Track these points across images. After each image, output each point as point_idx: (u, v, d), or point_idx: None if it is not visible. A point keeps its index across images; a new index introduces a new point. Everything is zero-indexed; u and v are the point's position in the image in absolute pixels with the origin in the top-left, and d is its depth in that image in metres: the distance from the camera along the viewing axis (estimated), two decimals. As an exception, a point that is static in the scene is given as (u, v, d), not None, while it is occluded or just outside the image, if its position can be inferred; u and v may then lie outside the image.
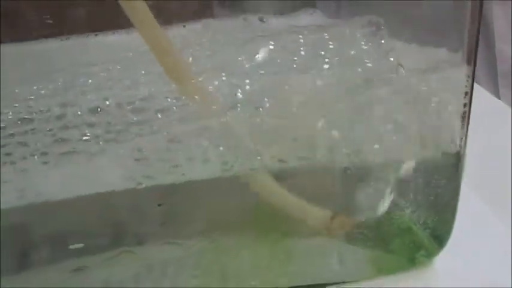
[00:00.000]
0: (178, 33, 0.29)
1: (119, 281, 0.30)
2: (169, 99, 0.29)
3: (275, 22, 0.31)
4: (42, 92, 0.29)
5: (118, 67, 0.30)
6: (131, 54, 0.30)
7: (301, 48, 0.31)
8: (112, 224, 0.29)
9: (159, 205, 0.29)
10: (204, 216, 0.30)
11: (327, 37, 0.31)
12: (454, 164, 0.31)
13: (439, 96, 0.30)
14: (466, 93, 0.29)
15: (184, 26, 0.29)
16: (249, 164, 0.28)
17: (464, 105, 0.29)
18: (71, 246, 0.28)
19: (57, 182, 0.27)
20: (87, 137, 0.28)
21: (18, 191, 0.27)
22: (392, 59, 0.30)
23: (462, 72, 0.29)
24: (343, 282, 0.31)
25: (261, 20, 0.31)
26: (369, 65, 0.30)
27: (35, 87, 0.29)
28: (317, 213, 0.29)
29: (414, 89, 0.30)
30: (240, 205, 0.30)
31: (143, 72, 0.29)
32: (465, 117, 0.30)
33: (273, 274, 0.30)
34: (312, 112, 0.29)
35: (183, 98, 0.28)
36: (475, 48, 0.29)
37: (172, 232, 0.30)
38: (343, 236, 0.30)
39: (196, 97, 0.27)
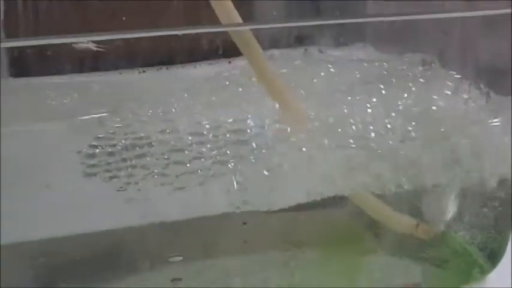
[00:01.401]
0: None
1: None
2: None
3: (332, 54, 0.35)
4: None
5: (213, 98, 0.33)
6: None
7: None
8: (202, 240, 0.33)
9: (244, 223, 0.32)
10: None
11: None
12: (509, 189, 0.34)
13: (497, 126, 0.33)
14: None
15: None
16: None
17: None
18: (171, 259, 0.32)
19: (172, 203, 0.30)
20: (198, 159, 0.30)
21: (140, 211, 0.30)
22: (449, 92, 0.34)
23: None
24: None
25: (320, 51, 0.35)
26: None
27: (130, 115, 0.31)
28: (405, 221, 0.33)
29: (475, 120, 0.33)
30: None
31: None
32: None
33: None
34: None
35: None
36: None
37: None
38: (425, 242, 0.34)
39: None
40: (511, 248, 0.36)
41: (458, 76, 0.34)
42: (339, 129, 0.32)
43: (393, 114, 0.33)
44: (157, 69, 0.33)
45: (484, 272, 0.35)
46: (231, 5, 0.30)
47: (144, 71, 0.32)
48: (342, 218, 0.34)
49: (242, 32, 0.30)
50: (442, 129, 0.33)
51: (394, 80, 0.34)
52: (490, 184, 0.34)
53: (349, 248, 0.34)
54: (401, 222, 0.34)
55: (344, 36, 0.36)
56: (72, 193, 0.29)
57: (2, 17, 0.32)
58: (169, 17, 0.34)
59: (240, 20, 0.30)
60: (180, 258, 0.31)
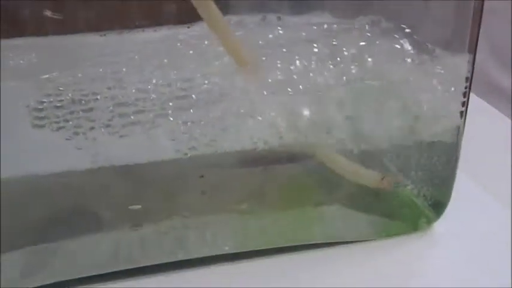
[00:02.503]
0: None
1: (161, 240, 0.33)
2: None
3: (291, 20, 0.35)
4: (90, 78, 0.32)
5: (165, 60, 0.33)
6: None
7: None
8: (162, 189, 0.33)
9: (201, 176, 0.33)
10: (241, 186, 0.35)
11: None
12: (453, 141, 0.35)
13: (444, 79, 0.34)
14: (467, 78, 0.33)
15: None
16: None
17: (465, 87, 0.33)
18: (130, 207, 0.32)
19: (121, 149, 0.31)
20: (142, 112, 0.31)
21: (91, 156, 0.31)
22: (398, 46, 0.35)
23: (465, 59, 0.33)
24: (356, 242, 0.35)
25: (279, 19, 0.35)
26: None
27: (80, 75, 0.32)
28: (371, 175, 0.35)
29: (420, 74, 0.34)
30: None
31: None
32: (465, 98, 0.34)
33: (291, 234, 0.35)
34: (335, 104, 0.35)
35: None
36: (476, 37, 0.32)
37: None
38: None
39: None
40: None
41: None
42: (286, 82, 0.33)
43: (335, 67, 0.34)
44: (119, 33, 0.33)
45: (430, 222, 0.36)
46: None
47: (105, 35, 0.32)
48: (299, 173, 0.35)
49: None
50: (383, 82, 0.34)
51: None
52: (433, 138, 0.35)
53: (304, 200, 0.35)
54: (367, 175, 0.35)
55: (303, 5, 0.36)
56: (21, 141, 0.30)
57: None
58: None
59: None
60: (139, 206, 0.32)
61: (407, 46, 0.35)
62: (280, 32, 0.36)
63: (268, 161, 0.34)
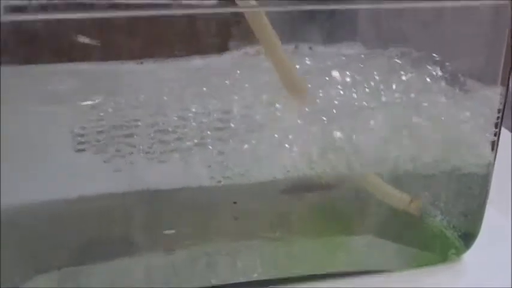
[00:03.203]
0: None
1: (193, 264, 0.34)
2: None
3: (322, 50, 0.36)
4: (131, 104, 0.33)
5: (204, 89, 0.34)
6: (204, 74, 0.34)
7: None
8: (196, 214, 0.34)
9: (234, 203, 0.34)
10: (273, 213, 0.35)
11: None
12: (484, 173, 0.35)
13: (475, 111, 0.34)
14: (499, 110, 0.34)
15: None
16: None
17: (497, 118, 0.34)
18: (165, 232, 0.33)
19: (158, 174, 0.32)
20: (181, 139, 0.32)
21: (128, 180, 0.31)
22: (429, 80, 0.36)
23: (497, 92, 0.34)
24: (387, 271, 0.35)
25: (310, 48, 0.36)
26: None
27: (122, 101, 0.33)
28: (400, 196, 0.35)
29: (452, 105, 0.35)
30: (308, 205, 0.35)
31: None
32: (497, 129, 0.34)
33: (322, 262, 0.35)
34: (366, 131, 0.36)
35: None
36: (509, 71, 0.33)
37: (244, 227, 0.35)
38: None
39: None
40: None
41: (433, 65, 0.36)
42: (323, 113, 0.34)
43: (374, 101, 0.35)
44: (155, 61, 0.34)
45: (459, 253, 0.37)
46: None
47: (142, 62, 0.33)
48: (331, 202, 0.36)
49: (258, 14, 0.32)
50: (416, 116, 0.35)
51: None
52: (465, 172, 0.36)
53: (336, 229, 0.35)
54: (396, 197, 0.35)
55: (334, 35, 0.37)
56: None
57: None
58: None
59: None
60: (173, 231, 0.33)
61: (439, 77, 0.36)
62: (309, 62, 0.36)
63: (301, 189, 0.34)
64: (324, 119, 0.34)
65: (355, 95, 0.36)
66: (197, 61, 0.34)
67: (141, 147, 0.32)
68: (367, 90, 0.35)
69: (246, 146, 0.33)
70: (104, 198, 0.31)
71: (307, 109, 0.34)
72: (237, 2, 0.32)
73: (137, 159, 0.32)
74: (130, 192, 0.31)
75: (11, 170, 0.30)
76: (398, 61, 0.38)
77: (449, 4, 0.35)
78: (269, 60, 0.33)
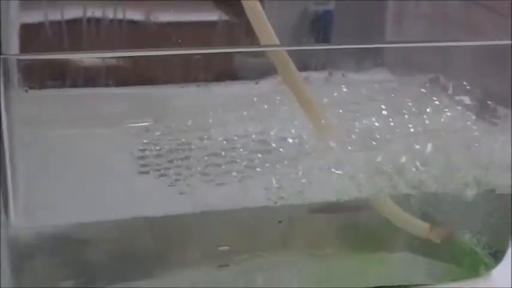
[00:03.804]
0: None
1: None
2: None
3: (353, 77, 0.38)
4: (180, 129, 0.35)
5: (245, 113, 0.37)
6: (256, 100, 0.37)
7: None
8: (248, 232, 0.36)
9: (279, 222, 0.36)
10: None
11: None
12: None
13: (503, 134, 0.37)
14: None
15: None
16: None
17: None
18: (220, 248, 0.35)
19: (216, 196, 0.34)
20: (232, 163, 0.34)
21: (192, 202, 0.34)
22: (459, 108, 0.38)
23: None
24: (422, 285, 0.38)
25: (343, 75, 0.38)
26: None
27: (173, 125, 0.35)
28: (420, 224, 0.37)
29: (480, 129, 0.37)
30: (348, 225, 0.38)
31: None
32: None
33: (362, 278, 0.38)
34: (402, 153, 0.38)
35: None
36: None
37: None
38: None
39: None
40: (511, 247, 0.39)
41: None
42: (359, 139, 0.37)
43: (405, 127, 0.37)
44: (197, 86, 0.36)
45: (488, 268, 0.39)
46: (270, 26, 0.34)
47: (184, 86, 0.36)
48: (373, 222, 0.38)
49: (281, 52, 0.34)
50: (445, 143, 0.37)
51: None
52: (493, 194, 0.38)
53: (374, 247, 0.38)
54: (416, 225, 0.37)
55: (365, 62, 0.39)
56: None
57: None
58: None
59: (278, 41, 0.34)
60: (227, 247, 0.35)
61: (467, 102, 0.39)
62: (345, 89, 0.39)
63: (346, 209, 0.37)
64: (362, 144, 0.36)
65: (391, 122, 0.38)
66: (236, 87, 0.37)
67: (198, 168, 0.34)
68: (406, 116, 0.38)
69: (296, 168, 0.35)
70: (166, 219, 0.33)
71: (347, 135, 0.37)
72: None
73: (196, 181, 0.34)
74: (192, 213, 0.34)
75: (78, 190, 0.32)
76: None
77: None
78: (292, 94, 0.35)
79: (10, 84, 0.30)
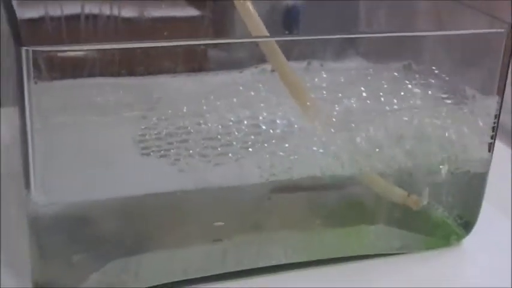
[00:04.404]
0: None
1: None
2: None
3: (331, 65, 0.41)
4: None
5: (235, 100, 0.40)
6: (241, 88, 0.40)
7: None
8: (241, 209, 0.39)
9: (269, 198, 0.39)
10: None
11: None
12: (482, 171, 0.41)
13: (474, 116, 0.40)
14: (495, 115, 0.40)
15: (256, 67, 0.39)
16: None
17: (493, 123, 0.40)
18: (215, 224, 0.38)
19: (215, 174, 0.37)
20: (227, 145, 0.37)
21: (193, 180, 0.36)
22: (434, 95, 0.41)
23: (494, 100, 0.40)
24: (397, 254, 0.42)
25: (321, 64, 0.40)
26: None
27: (169, 111, 0.37)
28: (398, 191, 0.41)
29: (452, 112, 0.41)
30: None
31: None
32: (494, 133, 0.40)
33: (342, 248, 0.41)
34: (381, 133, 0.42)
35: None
36: (505, 80, 0.39)
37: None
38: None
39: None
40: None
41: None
42: (342, 120, 0.40)
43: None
44: (188, 75, 0.38)
45: (459, 238, 0.43)
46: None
47: (175, 76, 0.38)
48: (348, 197, 0.41)
49: (271, 43, 0.38)
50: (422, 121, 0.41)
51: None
52: (464, 169, 0.42)
53: (354, 220, 0.41)
54: (395, 192, 0.41)
55: (341, 52, 0.42)
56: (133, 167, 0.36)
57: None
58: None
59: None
60: (222, 223, 0.38)
61: (438, 88, 0.42)
62: (324, 76, 0.43)
63: (329, 186, 0.40)
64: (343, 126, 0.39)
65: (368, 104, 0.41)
66: (222, 76, 0.39)
67: (197, 150, 0.37)
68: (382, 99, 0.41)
69: (284, 147, 0.38)
70: (168, 196, 0.37)
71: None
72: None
73: (195, 162, 0.37)
74: (192, 190, 0.37)
75: (88, 172, 0.35)
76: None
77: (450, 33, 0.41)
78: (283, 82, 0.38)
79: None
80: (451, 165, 0.41)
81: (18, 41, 0.30)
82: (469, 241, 0.43)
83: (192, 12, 0.52)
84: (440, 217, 0.43)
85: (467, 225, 0.43)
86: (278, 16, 0.53)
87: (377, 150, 0.40)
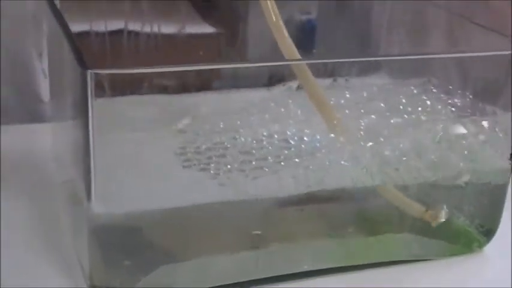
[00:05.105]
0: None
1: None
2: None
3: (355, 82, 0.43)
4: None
5: (266, 116, 0.43)
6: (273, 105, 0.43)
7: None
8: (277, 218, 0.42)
9: (302, 210, 0.42)
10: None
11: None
12: (503, 182, 0.44)
13: (495, 131, 0.43)
14: None
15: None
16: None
17: None
18: (253, 232, 0.41)
19: (253, 187, 0.39)
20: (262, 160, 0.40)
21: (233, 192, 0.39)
22: (453, 109, 0.44)
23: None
24: (422, 260, 0.44)
25: (346, 80, 0.42)
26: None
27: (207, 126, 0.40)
28: (416, 207, 0.43)
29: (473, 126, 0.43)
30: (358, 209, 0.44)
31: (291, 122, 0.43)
32: None
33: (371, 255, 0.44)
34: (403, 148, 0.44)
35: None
36: None
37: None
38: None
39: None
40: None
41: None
42: (367, 134, 0.42)
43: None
44: (219, 93, 0.41)
45: (481, 245, 0.45)
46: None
47: (208, 93, 0.40)
48: (376, 207, 0.44)
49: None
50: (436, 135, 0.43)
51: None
52: (484, 180, 0.44)
53: (382, 228, 0.44)
54: (413, 207, 0.43)
55: (365, 69, 0.44)
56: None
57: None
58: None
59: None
60: (260, 232, 0.41)
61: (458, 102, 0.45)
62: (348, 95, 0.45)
63: (357, 197, 0.42)
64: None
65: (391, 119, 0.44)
66: (252, 93, 0.41)
67: (235, 165, 0.39)
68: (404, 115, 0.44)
69: (315, 162, 0.41)
70: (210, 207, 0.39)
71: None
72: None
73: (234, 175, 0.39)
74: (235, 201, 0.39)
75: (140, 184, 0.37)
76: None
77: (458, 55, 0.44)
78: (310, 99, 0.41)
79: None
80: (472, 176, 0.43)
81: (83, 64, 0.33)
82: (491, 247, 0.46)
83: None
84: (462, 226, 0.45)
85: (488, 233, 0.45)
86: (293, 29, 0.56)
87: (401, 161, 0.42)
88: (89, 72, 0.32)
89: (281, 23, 0.41)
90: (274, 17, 0.41)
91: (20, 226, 0.44)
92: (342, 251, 0.43)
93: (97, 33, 0.49)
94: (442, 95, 0.46)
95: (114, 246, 0.37)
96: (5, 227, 0.44)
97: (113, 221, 0.36)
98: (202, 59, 0.55)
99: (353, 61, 0.42)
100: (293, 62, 0.40)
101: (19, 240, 0.43)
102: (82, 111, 0.34)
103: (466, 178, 0.44)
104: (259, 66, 0.42)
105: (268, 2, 0.41)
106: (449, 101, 0.45)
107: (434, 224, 0.43)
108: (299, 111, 0.44)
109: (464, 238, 0.45)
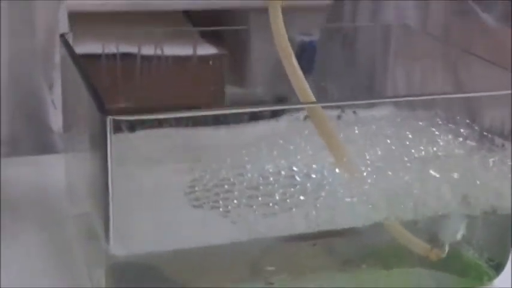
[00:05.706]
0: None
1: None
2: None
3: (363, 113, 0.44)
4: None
5: (275, 152, 0.43)
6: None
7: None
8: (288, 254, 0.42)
9: (314, 245, 0.43)
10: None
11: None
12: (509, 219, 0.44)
13: (500, 163, 0.43)
14: None
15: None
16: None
17: None
18: (267, 268, 0.41)
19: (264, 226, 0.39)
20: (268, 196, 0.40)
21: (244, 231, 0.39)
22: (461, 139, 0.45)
23: None
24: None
25: (354, 112, 0.44)
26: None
27: (213, 165, 0.40)
28: (422, 245, 0.43)
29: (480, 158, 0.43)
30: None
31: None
32: None
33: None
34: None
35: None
36: None
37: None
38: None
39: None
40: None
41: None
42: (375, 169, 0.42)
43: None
44: (227, 128, 0.40)
45: (491, 279, 0.45)
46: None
47: (217, 129, 0.40)
48: (388, 242, 0.44)
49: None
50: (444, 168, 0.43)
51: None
52: (492, 214, 0.44)
53: (392, 262, 0.44)
54: (419, 245, 0.43)
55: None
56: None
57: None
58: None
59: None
60: (273, 268, 0.41)
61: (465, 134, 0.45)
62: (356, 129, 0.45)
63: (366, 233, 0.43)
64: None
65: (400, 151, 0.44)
66: (260, 126, 0.42)
67: (243, 200, 0.39)
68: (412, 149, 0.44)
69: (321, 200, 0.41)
70: (222, 247, 0.39)
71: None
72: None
73: (244, 212, 0.39)
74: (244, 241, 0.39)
75: (155, 227, 0.38)
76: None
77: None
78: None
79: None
80: (480, 209, 0.44)
81: (104, 110, 0.33)
82: (501, 280, 0.46)
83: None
84: (472, 259, 0.45)
85: (498, 267, 0.45)
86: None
87: (410, 195, 0.42)
88: (109, 118, 0.33)
89: (295, 61, 0.41)
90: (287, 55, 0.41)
91: (33, 257, 0.45)
92: (354, 285, 0.43)
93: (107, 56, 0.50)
94: (450, 125, 0.46)
95: (130, 282, 0.38)
96: (16, 260, 0.44)
97: (130, 260, 0.37)
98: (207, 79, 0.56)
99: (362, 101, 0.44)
100: (306, 105, 0.41)
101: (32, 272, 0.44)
102: (100, 150, 0.34)
103: (475, 211, 0.44)
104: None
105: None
106: (457, 133, 0.46)
107: (435, 260, 0.44)
108: (308, 147, 0.44)
109: (475, 271, 0.45)
